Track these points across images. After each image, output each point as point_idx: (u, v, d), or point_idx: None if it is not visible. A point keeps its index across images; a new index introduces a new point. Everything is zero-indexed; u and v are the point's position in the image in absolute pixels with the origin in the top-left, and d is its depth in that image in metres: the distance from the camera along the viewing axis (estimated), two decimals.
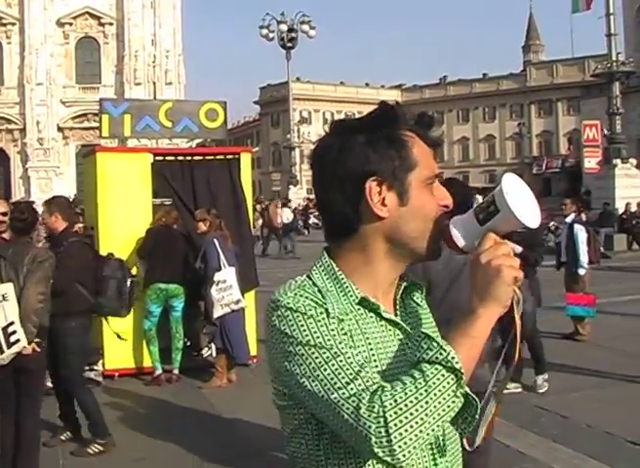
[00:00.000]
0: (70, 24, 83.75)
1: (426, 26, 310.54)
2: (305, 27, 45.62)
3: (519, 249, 9.20)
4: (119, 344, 10.12)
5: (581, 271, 12.78)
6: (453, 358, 1.78)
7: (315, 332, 1.89)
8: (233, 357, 10.71)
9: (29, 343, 6.79)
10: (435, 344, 1.83)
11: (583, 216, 15.60)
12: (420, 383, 1.77)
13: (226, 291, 10.31)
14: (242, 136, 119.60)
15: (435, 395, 1.76)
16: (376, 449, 1.74)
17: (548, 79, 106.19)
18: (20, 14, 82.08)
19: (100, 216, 11.19)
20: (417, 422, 1.74)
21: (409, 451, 1.74)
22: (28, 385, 7.04)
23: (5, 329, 6.75)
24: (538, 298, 9.61)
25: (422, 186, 1.99)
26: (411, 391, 1.76)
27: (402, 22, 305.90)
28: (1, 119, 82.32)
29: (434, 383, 1.77)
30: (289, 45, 45.46)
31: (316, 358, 1.86)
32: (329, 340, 1.88)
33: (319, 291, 1.97)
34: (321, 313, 1.91)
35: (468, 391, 1.82)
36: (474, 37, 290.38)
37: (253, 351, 11.10)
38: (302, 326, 1.90)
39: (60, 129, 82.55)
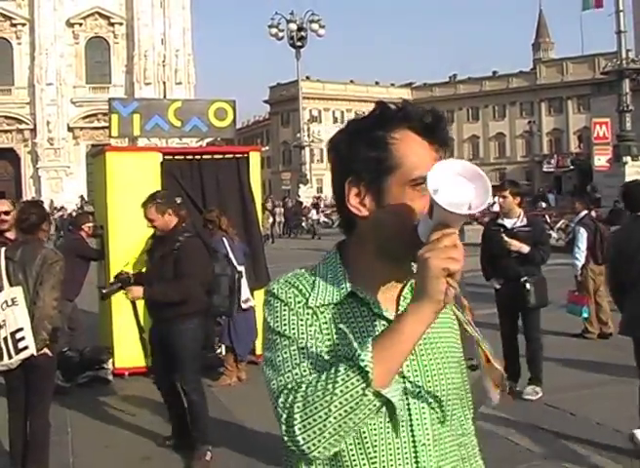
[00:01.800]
0: (80, 24, 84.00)
1: (436, 24, 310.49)
2: (315, 26, 45.62)
3: (526, 248, 9.19)
4: (129, 343, 10.10)
5: (576, 271, 12.83)
6: (359, 356, 1.80)
7: (284, 321, 2.00)
8: (239, 355, 10.76)
9: (40, 349, 6.77)
10: (350, 342, 1.87)
11: (593, 213, 15.53)
12: (329, 380, 1.82)
13: None
14: (252, 135, 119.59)
15: (340, 392, 1.80)
16: (285, 438, 1.85)
17: (558, 77, 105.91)
18: (30, 14, 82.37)
19: (110, 216, 11.20)
20: (320, 416, 1.81)
21: (314, 444, 1.83)
22: (38, 383, 7.02)
23: (13, 334, 6.73)
24: (543, 297, 9.53)
25: (407, 188, 1.99)
26: (320, 386, 1.83)
27: (412, 21, 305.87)
28: (12, 119, 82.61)
29: (339, 381, 1.81)
30: (298, 44, 45.45)
31: (277, 344, 1.99)
32: (292, 329, 1.98)
33: (313, 281, 2.06)
34: (299, 302, 2.02)
35: (384, 391, 1.82)
36: (484, 35, 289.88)
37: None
38: (277, 313, 2.02)
39: (70, 129, 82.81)
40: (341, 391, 1.79)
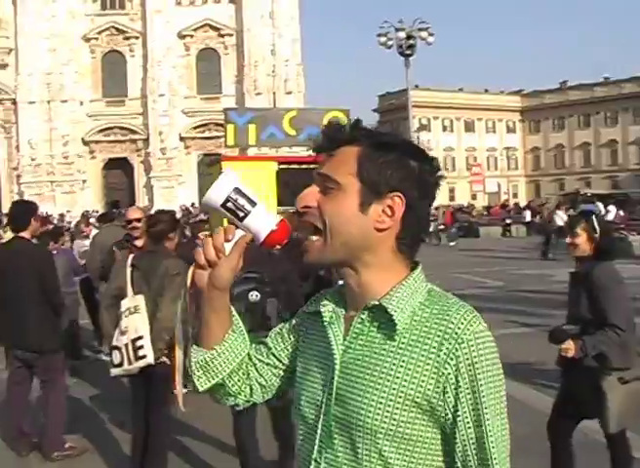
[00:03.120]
0: (191, 36, 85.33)
1: (545, 30, 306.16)
2: (424, 34, 45.29)
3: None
4: None
5: None
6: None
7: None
8: None
9: (157, 359, 6.89)
10: None
11: None
12: None
13: None
14: None
15: None
16: None
17: None
18: (142, 27, 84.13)
19: (226, 223, 11.31)
20: None
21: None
22: (157, 391, 7.14)
23: (134, 341, 6.86)
24: None
25: None
26: None
27: (520, 27, 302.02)
28: (125, 129, 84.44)
29: None
30: (407, 52, 45.16)
31: None
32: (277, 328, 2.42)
33: (339, 295, 2.23)
34: (301, 311, 2.33)
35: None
36: (594, 40, 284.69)
37: None
38: None
39: (181, 138, 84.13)
40: None
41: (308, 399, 2.15)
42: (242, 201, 2.04)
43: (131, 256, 7.28)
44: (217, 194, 2.04)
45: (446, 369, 1.95)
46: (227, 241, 2.07)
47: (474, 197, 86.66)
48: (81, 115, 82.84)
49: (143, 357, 6.83)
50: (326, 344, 2.12)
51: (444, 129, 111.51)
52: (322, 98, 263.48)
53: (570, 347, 5.90)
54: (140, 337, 6.85)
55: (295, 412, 2.23)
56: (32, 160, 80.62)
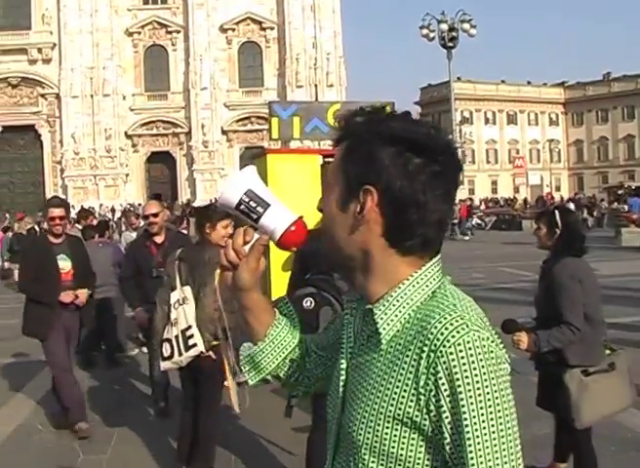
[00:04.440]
0: (233, 30, 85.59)
1: (588, 22, 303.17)
2: (466, 26, 45.04)
3: None
4: None
5: None
6: None
7: None
8: None
9: (208, 349, 6.94)
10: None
11: None
12: None
13: None
14: None
15: None
16: None
17: None
18: (184, 21, 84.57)
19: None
20: None
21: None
22: (207, 383, 7.19)
23: (184, 331, 6.93)
24: None
25: None
26: None
27: (563, 18, 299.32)
28: (168, 123, 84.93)
29: None
30: (449, 44, 44.94)
31: None
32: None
33: None
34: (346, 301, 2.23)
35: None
36: (639, 31, 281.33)
37: None
38: None
39: (223, 132, 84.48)
40: None
41: (331, 398, 2.08)
42: (254, 203, 2.01)
43: (179, 251, 7.32)
44: (229, 197, 2.04)
45: (427, 385, 1.76)
46: (247, 243, 2.06)
47: (517, 190, 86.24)
48: (124, 109, 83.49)
49: (194, 345, 6.88)
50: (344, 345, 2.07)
51: (486, 121, 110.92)
52: (364, 91, 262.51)
53: (521, 339, 5.91)
54: (189, 327, 6.91)
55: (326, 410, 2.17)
56: (76, 154, 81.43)
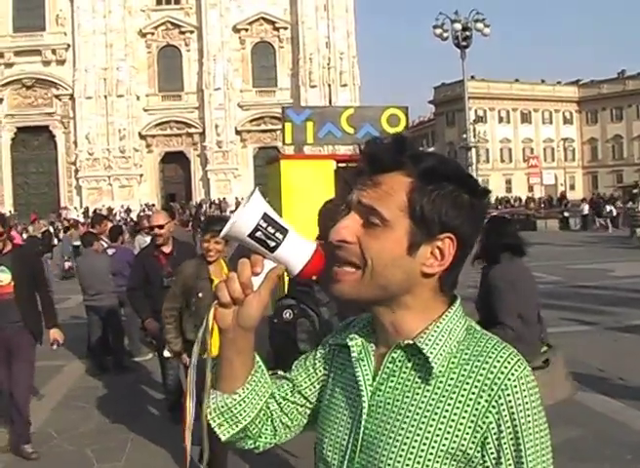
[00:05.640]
0: (246, 30, 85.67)
1: (603, 20, 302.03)
2: (480, 25, 44.96)
3: None
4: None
5: None
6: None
7: None
8: None
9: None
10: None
11: None
12: None
13: None
14: (418, 136, 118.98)
15: None
16: None
17: None
18: (197, 22, 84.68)
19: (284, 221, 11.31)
20: None
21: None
22: None
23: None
24: None
25: None
26: None
27: (577, 17, 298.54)
28: (181, 123, 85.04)
29: None
30: (463, 44, 44.88)
31: None
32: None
33: (368, 326, 2.03)
34: (326, 341, 2.14)
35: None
36: None
37: None
38: None
39: (237, 132, 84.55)
40: None
41: (332, 442, 1.96)
42: (272, 229, 1.76)
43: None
44: (245, 223, 1.74)
45: (487, 417, 1.75)
46: (255, 275, 1.79)
47: (531, 189, 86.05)
48: (137, 109, 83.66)
49: None
50: (353, 383, 1.94)
51: (500, 120, 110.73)
52: (378, 90, 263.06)
53: None
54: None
55: (317, 455, 2.03)
56: (90, 154, 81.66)
